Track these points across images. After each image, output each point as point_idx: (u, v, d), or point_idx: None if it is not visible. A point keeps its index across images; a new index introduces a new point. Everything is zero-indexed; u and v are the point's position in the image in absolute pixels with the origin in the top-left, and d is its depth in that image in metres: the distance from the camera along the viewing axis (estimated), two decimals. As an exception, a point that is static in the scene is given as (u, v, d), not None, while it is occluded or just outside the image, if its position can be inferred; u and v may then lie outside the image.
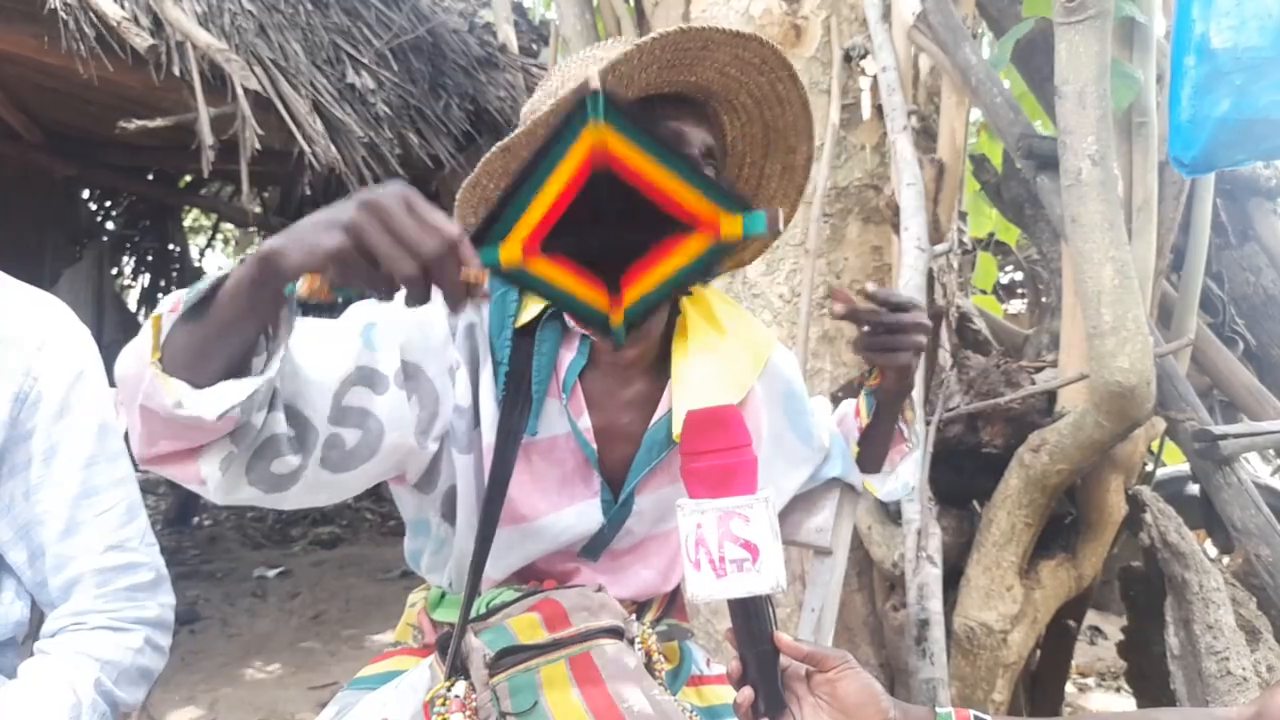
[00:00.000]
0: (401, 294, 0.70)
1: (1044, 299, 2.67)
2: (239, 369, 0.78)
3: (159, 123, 2.67)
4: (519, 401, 1.05)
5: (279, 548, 5.17)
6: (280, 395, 0.87)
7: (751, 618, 0.83)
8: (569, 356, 1.07)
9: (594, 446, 1.08)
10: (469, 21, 3.88)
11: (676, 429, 1.06)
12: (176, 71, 2.74)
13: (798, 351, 2.14)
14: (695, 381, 1.08)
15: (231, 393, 0.76)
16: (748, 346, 1.15)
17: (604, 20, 2.88)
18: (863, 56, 2.24)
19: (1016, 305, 5.65)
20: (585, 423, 1.08)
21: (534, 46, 4.21)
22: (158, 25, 2.76)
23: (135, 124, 2.62)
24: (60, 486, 1.02)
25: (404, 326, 1.00)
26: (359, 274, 0.68)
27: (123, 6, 2.70)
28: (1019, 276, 5.31)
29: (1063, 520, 1.78)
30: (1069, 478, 1.64)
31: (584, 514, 1.10)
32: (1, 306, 1.03)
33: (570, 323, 1.07)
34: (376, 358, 0.96)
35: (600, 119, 0.70)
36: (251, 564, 4.74)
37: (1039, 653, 1.91)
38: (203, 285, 0.77)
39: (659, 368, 1.12)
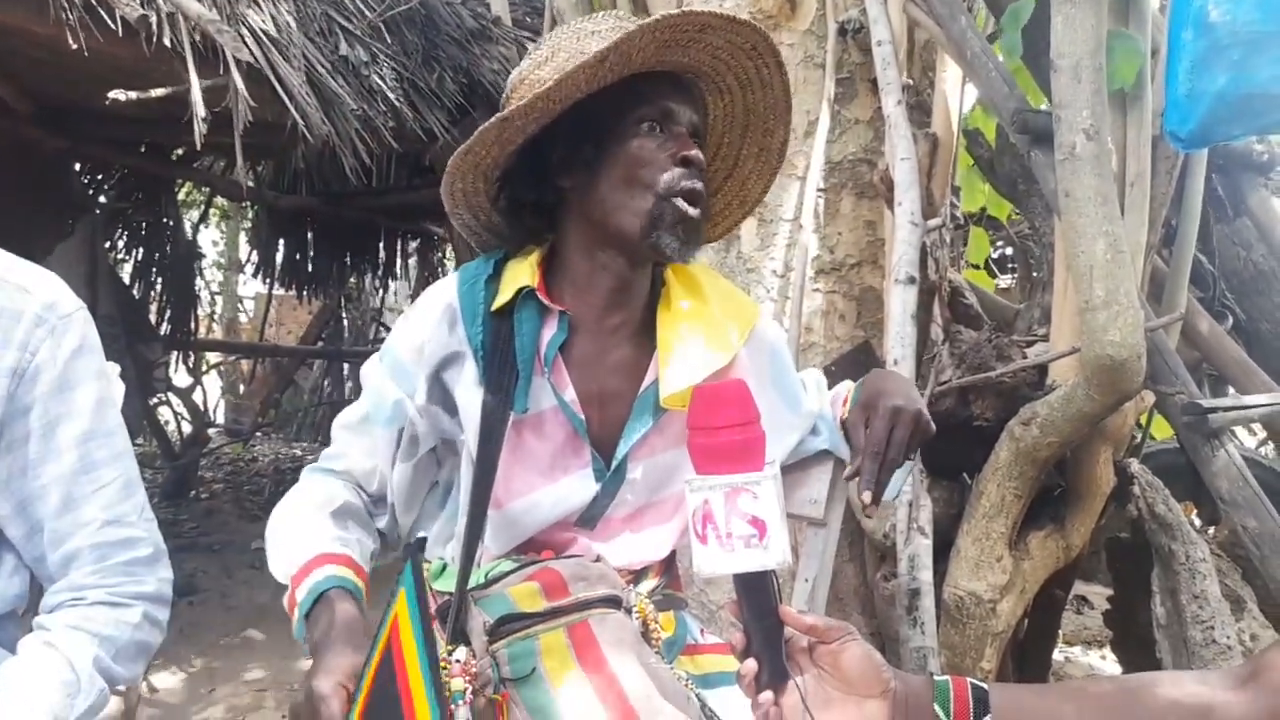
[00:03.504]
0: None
1: (1035, 273, 2.69)
2: None
3: (150, 94, 2.65)
4: (502, 382, 1.08)
5: (276, 520, 5.19)
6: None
7: (757, 592, 0.84)
8: (549, 333, 1.10)
9: (581, 416, 1.11)
10: (462, -8, 3.84)
11: (664, 396, 1.08)
12: (168, 43, 2.71)
13: (791, 325, 2.15)
14: (681, 347, 1.10)
15: None
16: (732, 313, 1.17)
17: (599, -6, 2.86)
18: (858, 31, 2.23)
19: (1007, 280, 5.67)
20: (570, 394, 1.10)
21: (528, 19, 4.16)
22: (148, -5, 2.73)
23: (126, 95, 2.60)
24: (58, 462, 1.03)
25: (397, 377, 1.14)
26: None
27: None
28: (1010, 251, 5.32)
29: (1052, 492, 1.80)
30: (1059, 450, 1.66)
31: (578, 485, 1.12)
32: None
33: (547, 301, 1.10)
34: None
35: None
36: (249, 536, 4.77)
37: (1027, 622, 1.95)
38: None
39: (644, 335, 1.14)
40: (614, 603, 1.03)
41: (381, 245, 6.45)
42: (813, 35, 2.31)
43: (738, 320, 1.16)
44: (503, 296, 1.09)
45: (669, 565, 1.24)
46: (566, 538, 1.15)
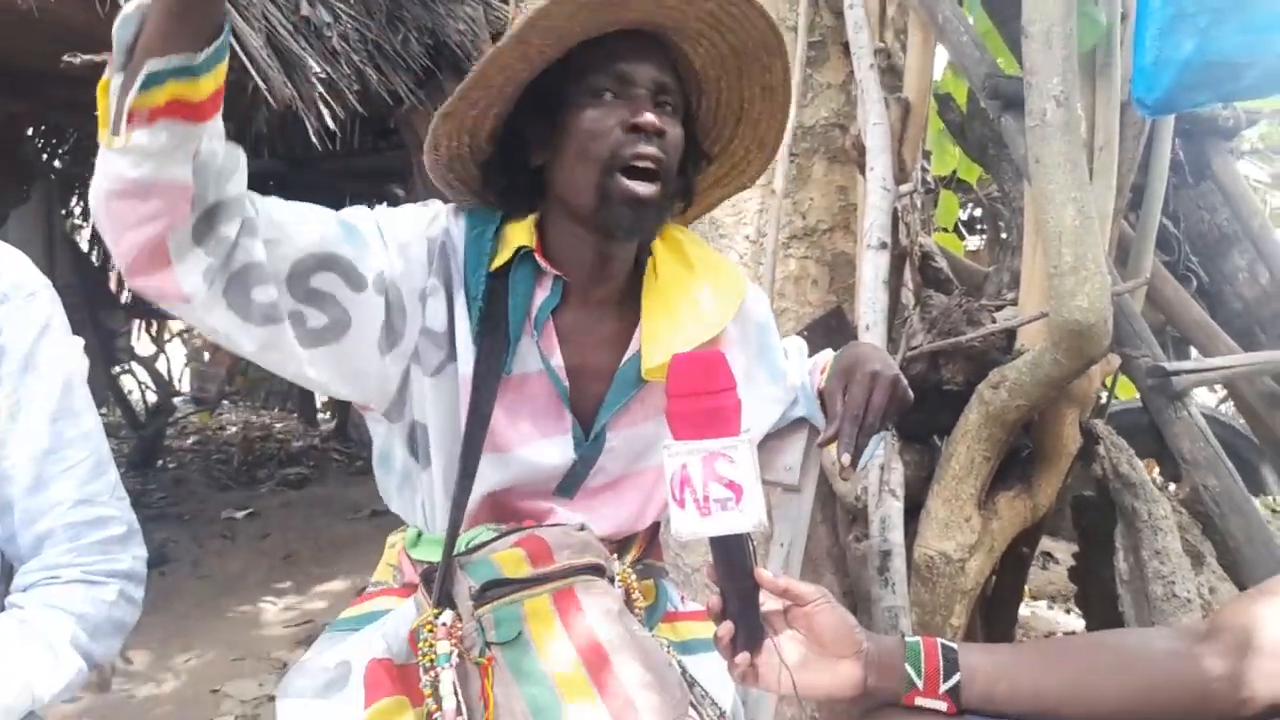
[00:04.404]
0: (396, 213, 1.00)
1: (1004, 235, 2.71)
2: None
3: (104, 57, 2.56)
4: (496, 339, 1.07)
5: (246, 489, 5.17)
6: (259, 226, 0.93)
7: (733, 555, 0.86)
8: (542, 296, 1.09)
9: (566, 384, 1.10)
10: (426, -50, 3.74)
11: (646, 367, 1.08)
12: (122, 3, 2.63)
13: (764, 290, 2.16)
14: (666, 320, 1.10)
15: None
16: (720, 287, 1.15)
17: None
18: (831, -8, 2.22)
19: (976, 242, 5.72)
20: (557, 360, 1.10)
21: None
22: (100, -47, 2.64)
23: (80, 58, 2.51)
24: (27, 442, 1.02)
25: (389, 242, 1.04)
26: None
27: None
28: (979, 213, 5.36)
29: (1020, 453, 1.84)
30: (1027, 413, 1.69)
31: (555, 449, 1.12)
32: None
33: (543, 264, 1.08)
34: (358, 256, 1.00)
35: None
36: (219, 505, 4.74)
37: (994, 579, 2.00)
38: (123, 38, 0.83)
39: (630, 307, 1.13)
40: (598, 571, 1.04)
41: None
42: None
43: (726, 294, 1.15)
44: (503, 255, 1.08)
45: (652, 536, 1.25)
46: (545, 507, 1.15)
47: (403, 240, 1.05)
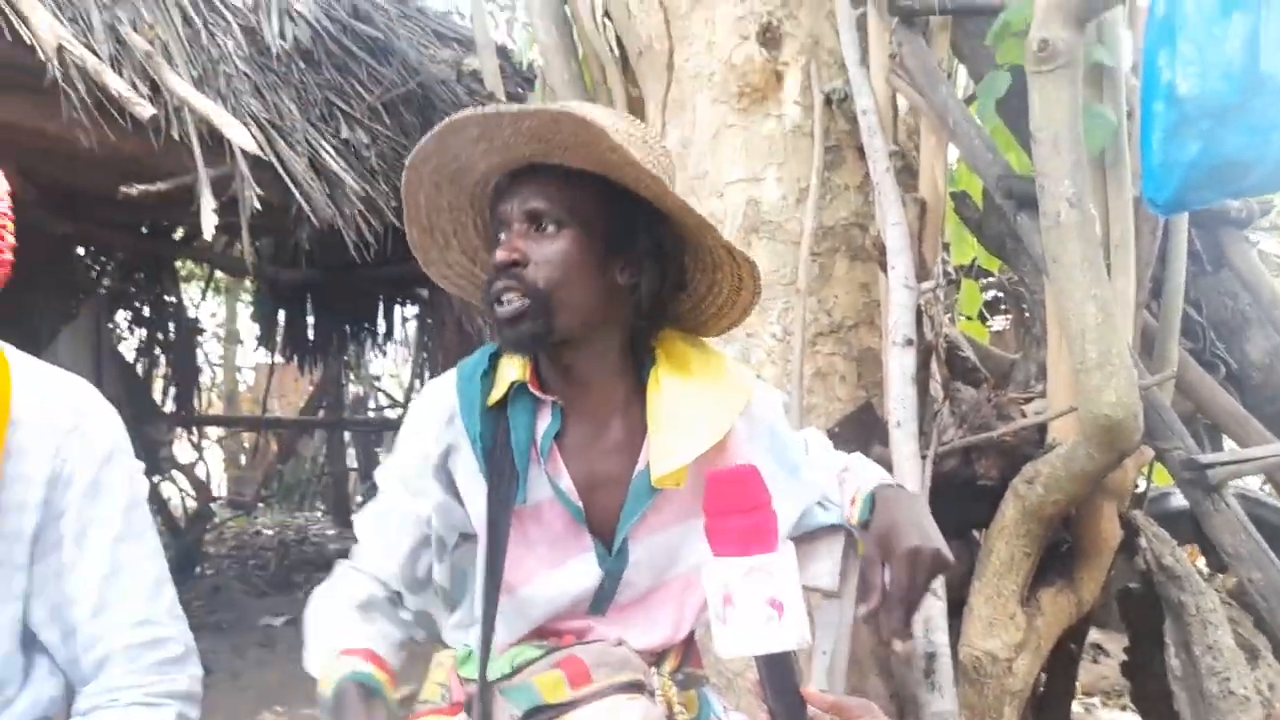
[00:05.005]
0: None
1: (1026, 314, 2.74)
2: None
3: (160, 186, 2.73)
4: (502, 474, 1.11)
5: (284, 594, 5.16)
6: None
7: (779, 671, 0.87)
8: (544, 423, 1.13)
9: (578, 504, 1.13)
10: (456, 70, 3.96)
11: (655, 477, 1.10)
12: (175, 135, 2.80)
13: (792, 388, 2.19)
14: (670, 428, 1.12)
15: None
16: (724, 388, 1.17)
17: (590, 68, 2.95)
18: (843, 100, 2.32)
19: (1000, 322, 5.72)
20: (566, 483, 1.13)
21: (520, 91, 4.28)
22: (155, 90, 2.82)
23: (138, 189, 2.67)
24: (91, 566, 1.06)
25: (417, 493, 1.17)
26: None
27: (121, 74, 2.76)
28: (1000, 294, 5.37)
29: (1059, 548, 1.83)
30: (1064, 507, 1.69)
31: (581, 571, 1.14)
32: (32, 390, 1.07)
33: (538, 393, 1.13)
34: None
35: None
36: (257, 613, 4.73)
37: (1043, 677, 1.95)
38: None
39: (637, 415, 1.15)
40: (638, 687, 1.04)
41: (380, 314, 6.53)
42: (799, 106, 2.39)
43: (730, 395, 1.16)
44: (497, 391, 1.13)
45: (688, 644, 1.25)
46: (582, 625, 1.16)
47: (419, 487, 1.17)
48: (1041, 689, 1.98)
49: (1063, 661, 1.97)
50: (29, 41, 2.58)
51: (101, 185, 3.40)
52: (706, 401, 1.14)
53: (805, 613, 0.86)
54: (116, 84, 2.67)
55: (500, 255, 1.08)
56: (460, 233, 1.21)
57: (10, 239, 1.12)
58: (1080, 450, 1.57)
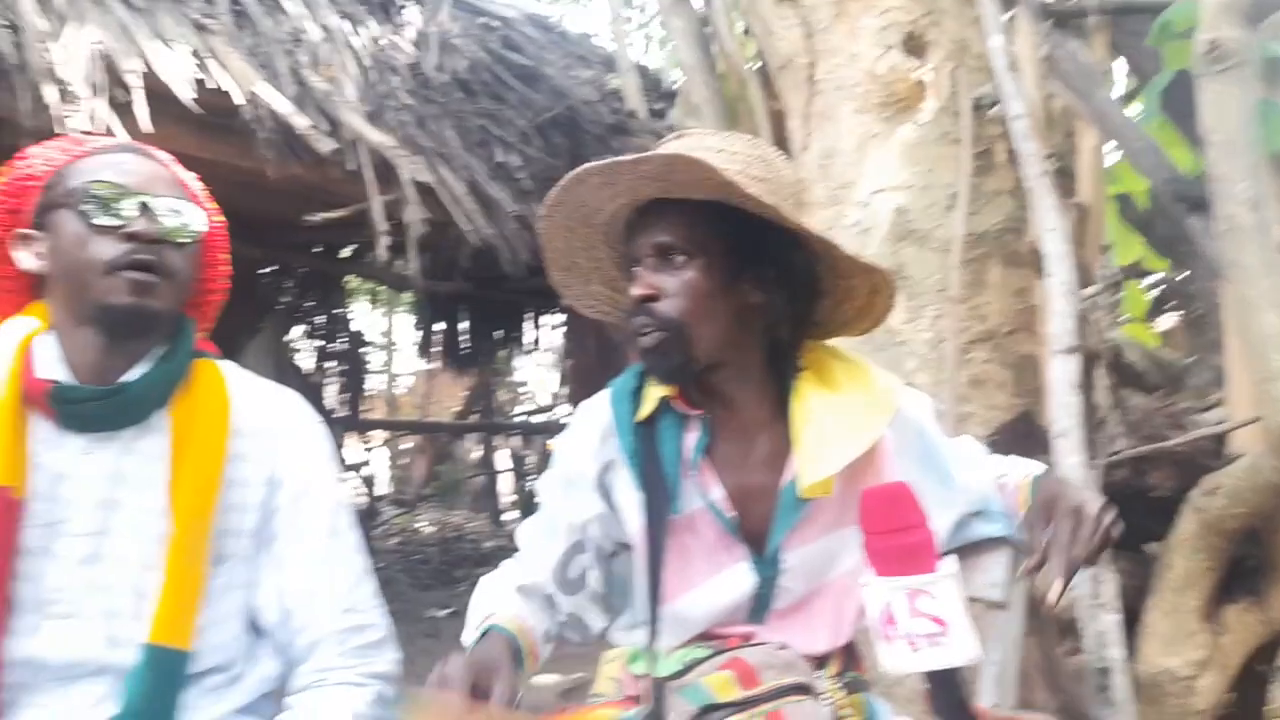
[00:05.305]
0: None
1: (1198, 315, 2.59)
2: None
3: (339, 214, 2.99)
4: (655, 487, 1.16)
5: (446, 588, 5.43)
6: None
7: (948, 687, 0.91)
8: (693, 437, 1.18)
9: (730, 514, 1.16)
10: (600, 91, 4.10)
11: (802, 487, 1.12)
12: (351, 165, 3.05)
13: (946, 397, 2.18)
14: (816, 438, 1.12)
15: None
16: (870, 397, 1.17)
17: (730, 84, 3.00)
18: (992, 105, 2.27)
19: (1168, 319, 5.36)
20: (716, 494, 1.16)
21: (662, 107, 4.37)
22: (334, 126, 3.08)
23: (321, 217, 2.94)
24: (303, 559, 1.17)
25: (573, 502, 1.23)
26: None
27: (304, 113, 3.04)
28: (1164, 289, 5.04)
29: (1246, 563, 1.74)
30: (1247, 521, 1.61)
31: (735, 580, 1.18)
32: (251, 401, 1.21)
33: (683, 408, 1.18)
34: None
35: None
36: (422, 605, 4.98)
37: (1231, 698, 1.86)
38: None
39: (781, 426, 1.17)
40: (804, 689, 1.08)
41: (527, 323, 6.82)
42: (947, 112, 2.37)
43: (876, 405, 1.15)
44: (646, 408, 1.19)
45: (850, 649, 1.25)
46: (744, 631, 1.20)
47: (573, 498, 1.23)
48: (1228, 710, 1.89)
49: (1252, 682, 1.87)
50: (225, 88, 2.88)
51: (285, 212, 3.72)
52: (852, 411, 1.14)
53: (971, 629, 0.87)
54: (301, 122, 2.94)
55: (635, 292, 1.13)
56: (598, 268, 1.27)
57: (227, 269, 1.29)
58: (1265, 462, 1.51)
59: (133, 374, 1.12)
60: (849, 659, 1.25)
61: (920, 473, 1.20)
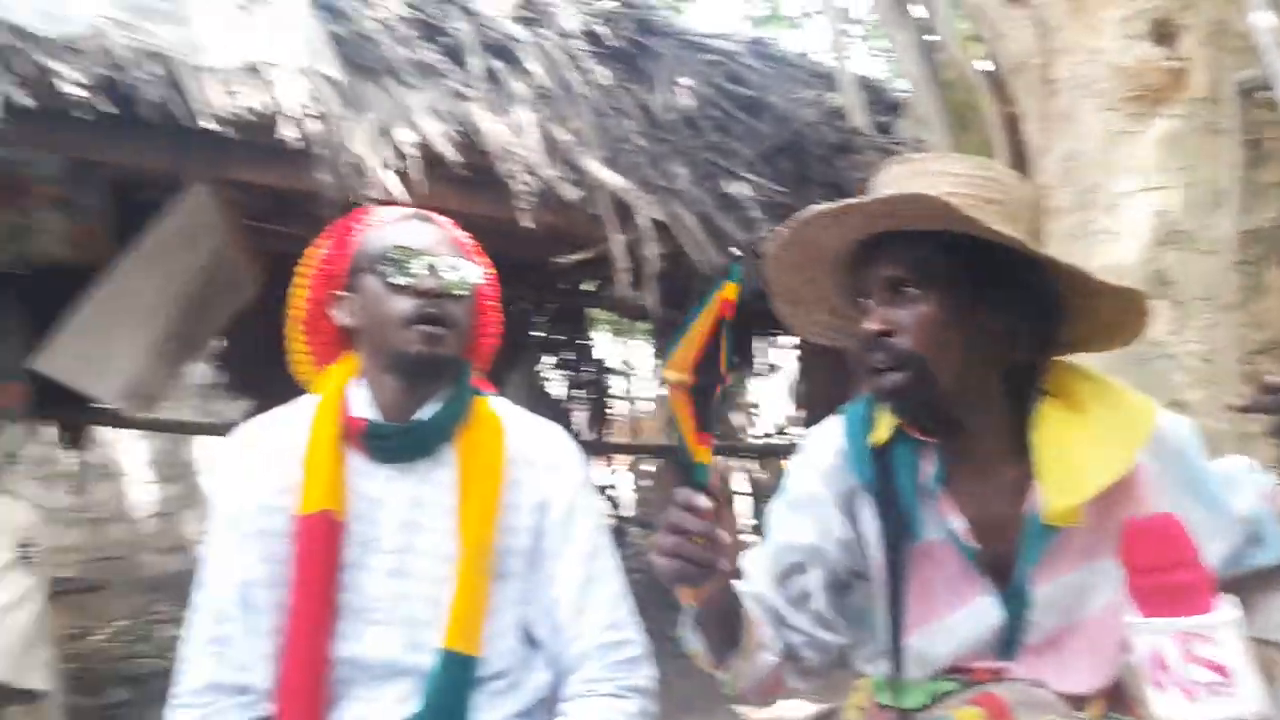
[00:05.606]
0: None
1: None
2: None
3: (585, 255, 3.23)
4: (893, 515, 1.16)
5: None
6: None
7: None
8: (928, 466, 1.16)
9: (972, 545, 1.14)
10: (822, 110, 4.09)
11: (1045, 515, 1.08)
12: (592, 210, 3.28)
13: (1224, 416, 1.98)
14: (1060, 465, 1.08)
15: None
16: (1121, 421, 1.10)
17: (958, 92, 2.93)
18: (1260, 89, 2.06)
19: None
20: (957, 524, 1.14)
21: (887, 119, 4.29)
22: (577, 173, 3.33)
23: (571, 259, 3.19)
24: (571, 576, 1.30)
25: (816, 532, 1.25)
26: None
27: (551, 164, 3.31)
28: None
29: None
30: None
31: (979, 614, 1.15)
32: (522, 434, 1.36)
33: (918, 435, 1.16)
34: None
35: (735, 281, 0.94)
36: (670, 625, 5.10)
37: None
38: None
39: (1024, 453, 1.12)
40: (1062, 731, 1.04)
41: (759, 346, 6.87)
42: (1208, 101, 2.18)
43: (1128, 428, 1.09)
44: (881, 432, 1.18)
45: (1115, 690, 1.18)
46: (995, 667, 1.17)
47: (798, 522, 1.25)
48: None
49: None
50: (483, 149, 3.20)
51: (535, 255, 4.04)
52: (1102, 435, 1.08)
53: (1257, 680, 0.80)
54: (548, 173, 3.21)
55: (868, 327, 1.11)
56: (822, 298, 1.27)
57: (498, 315, 1.46)
58: None
59: (424, 412, 1.31)
60: (1115, 702, 1.17)
61: (1186, 500, 1.13)
